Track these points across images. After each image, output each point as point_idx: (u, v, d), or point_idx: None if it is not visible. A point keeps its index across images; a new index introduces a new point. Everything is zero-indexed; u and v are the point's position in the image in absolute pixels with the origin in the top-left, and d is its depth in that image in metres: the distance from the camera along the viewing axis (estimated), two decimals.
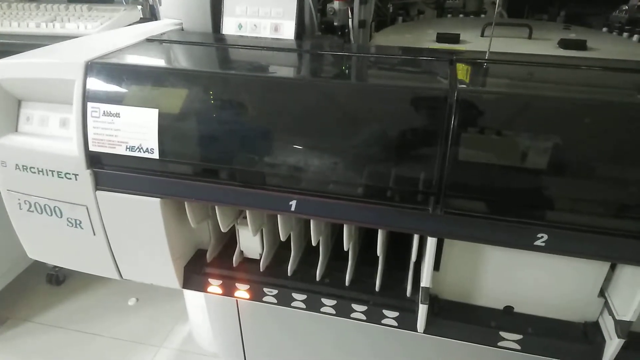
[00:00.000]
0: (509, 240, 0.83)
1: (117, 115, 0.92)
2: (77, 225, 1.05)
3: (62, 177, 0.99)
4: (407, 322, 1.00)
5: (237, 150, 0.91)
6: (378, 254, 0.98)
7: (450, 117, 0.79)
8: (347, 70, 0.98)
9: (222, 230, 1.02)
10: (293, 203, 0.90)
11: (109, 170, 0.97)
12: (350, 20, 1.32)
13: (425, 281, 0.93)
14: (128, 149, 0.93)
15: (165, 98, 0.92)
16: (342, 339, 1.39)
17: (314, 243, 0.99)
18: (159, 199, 0.97)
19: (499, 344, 0.96)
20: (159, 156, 0.93)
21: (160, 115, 0.91)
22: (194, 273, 1.10)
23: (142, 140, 0.92)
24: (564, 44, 1.19)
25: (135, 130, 0.92)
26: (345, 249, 0.98)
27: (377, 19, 1.77)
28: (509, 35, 1.29)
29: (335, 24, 1.36)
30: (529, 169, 0.79)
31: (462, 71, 0.90)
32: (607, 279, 0.92)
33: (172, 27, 1.29)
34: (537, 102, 0.78)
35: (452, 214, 0.84)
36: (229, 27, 1.25)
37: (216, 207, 0.98)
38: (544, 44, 1.25)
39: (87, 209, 1.02)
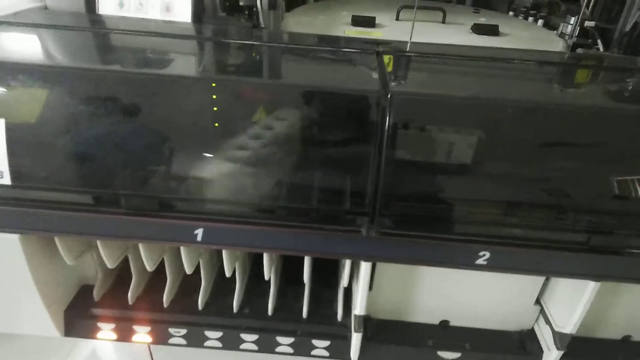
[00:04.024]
0: (450, 260, 0.74)
1: None
2: None
3: None
4: (339, 350, 0.89)
5: (121, 169, 0.71)
6: (305, 281, 0.85)
7: (383, 123, 0.66)
8: (260, 66, 0.81)
9: (109, 267, 0.81)
10: (199, 232, 0.73)
11: None
12: (258, 0, 1.14)
13: (359, 309, 0.82)
14: None
15: (16, 103, 0.69)
16: None
17: (227, 274, 0.82)
18: (17, 235, 0.74)
19: None
20: (12, 181, 0.70)
21: (9, 126, 0.68)
22: (78, 318, 0.89)
23: None
24: (477, 29, 1.16)
25: None
26: (267, 278, 0.83)
27: None
28: (423, 19, 1.22)
29: (241, 3, 1.17)
30: (472, 181, 0.70)
31: (391, 68, 0.78)
32: (543, 286, 0.88)
33: (32, 5, 1.01)
34: (483, 105, 0.68)
35: (388, 235, 0.72)
36: (106, 6, 1.00)
37: (98, 243, 0.77)
38: (458, 29, 1.21)
39: None
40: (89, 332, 0.89)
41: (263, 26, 1.14)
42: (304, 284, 0.91)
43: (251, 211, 0.73)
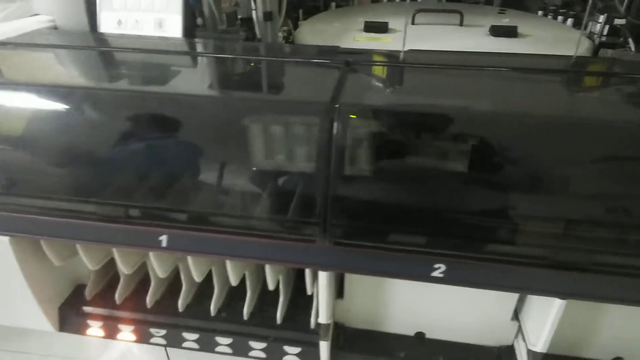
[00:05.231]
0: (404, 272, 0.73)
1: None
2: None
3: None
4: (310, 357, 0.90)
5: (95, 179, 0.77)
6: (270, 288, 0.86)
7: (331, 134, 0.67)
8: (218, 80, 0.84)
9: (91, 268, 0.88)
10: (163, 238, 0.77)
11: None
12: (254, 12, 1.18)
13: (322, 317, 0.82)
14: None
15: (5, 119, 0.77)
16: None
17: (197, 279, 0.86)
18: (7, 238, 0.81)
19: None
20: (0, 188, 0.77)
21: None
22: (71, 314, 0.96)
23: None
24: (495, 31, 1.12)
25: None
26: (234, 284, 0.86)
27: (311, 4, 1.65)
28: (441, 22, 1.20)
29: (239, 16, 1.21)
30: (421, 191, 0.69)
31: (353, 80, 0.79)
32: (520, 302, 0.84)
33: (45, 25, 1.11)
34: (428, 117, 0.67)
35: (341, 244, 0.73)
36: (107, 24, 1.08)
37: (78, 246, 0.83)
38: (474, 31, 1.18)
39: None
40: (80, 329, 0.96)
41: (259, 37, 1.18)
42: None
43: (211, 220, 0.76)
